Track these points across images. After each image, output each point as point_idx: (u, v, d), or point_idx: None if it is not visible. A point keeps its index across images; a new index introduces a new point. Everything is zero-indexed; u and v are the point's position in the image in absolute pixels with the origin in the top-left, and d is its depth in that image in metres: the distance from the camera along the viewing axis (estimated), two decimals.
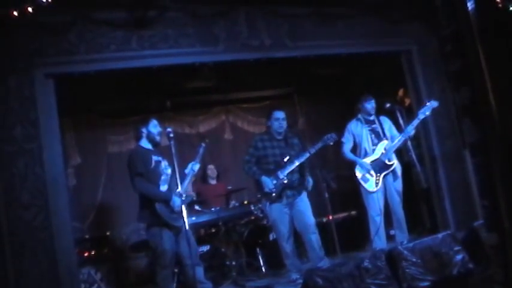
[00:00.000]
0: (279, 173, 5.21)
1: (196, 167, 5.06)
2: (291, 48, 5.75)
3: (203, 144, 5.22)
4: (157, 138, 4.97)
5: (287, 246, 5.22)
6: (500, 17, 4.75)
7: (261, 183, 5.23)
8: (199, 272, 4.87)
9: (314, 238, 5.19)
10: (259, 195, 5.41)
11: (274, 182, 5.18)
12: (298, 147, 5.41)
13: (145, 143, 4.95)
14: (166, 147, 4.95)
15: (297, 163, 5.21)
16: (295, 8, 5.79)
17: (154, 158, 4.84)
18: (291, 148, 5.36)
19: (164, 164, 4.91)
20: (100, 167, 7.47)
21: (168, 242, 4.70)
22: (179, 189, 4.66)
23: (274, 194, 5.18)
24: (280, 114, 5.35)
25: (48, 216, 4.58)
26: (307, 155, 5.21)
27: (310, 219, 5.24)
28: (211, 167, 7.28)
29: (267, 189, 5.18)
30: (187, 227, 4.57)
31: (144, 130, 4.93)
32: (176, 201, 4.70)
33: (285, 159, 5.24)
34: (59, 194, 4.72)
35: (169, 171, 4.92)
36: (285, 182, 5.18)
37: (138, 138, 4.99)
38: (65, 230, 4.70)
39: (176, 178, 4.67)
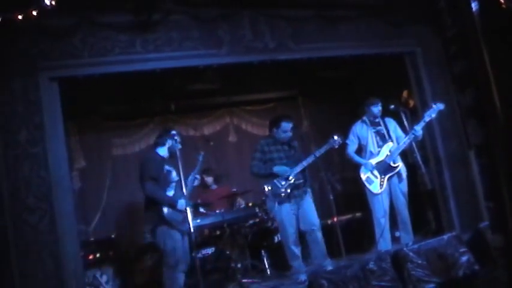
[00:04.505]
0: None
1: (197, 181, 5.27)
2: (294, 50, 5.75)
3: (202, 153, 5.37)
4: (177, 152, 5.05)
5: (295, 248, 5.26)
6: (504, 17, 4.73)
7: (276, 173, 5.29)
8: (182, 278, 4.99)
9: (319, 236, 5.30)
10: (264, 197, 5.43)
11: (283, 182, 5.25)
12: (300, 149, 5.53)
13: (162, 151, 5.10)
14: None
15: (305, 164, 5.31)
16: (299, 11, 5.79)
17: (166, 167, 5.02)
18: (294, 150, 5.48)
19: (174, 173, 5.06)
20: (105, 170, 7.48)
21: (177, 241, 4.84)
22: (184, 191, 4.81)
23: (283, 194, 5.23)
24: (289, 126, 5.39)
25: (53, 220, 4.59)
26: (314, 157, 5.30)
27: (315, 217, 5.35)
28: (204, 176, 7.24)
29: (284, 173, 5.26)
30: (191, 230, 4.67)
31: (169, 141, 5.08)
32: (181, 203, 4.85)
33: (291, 161, 5.34)
34: (63, 197, 4.73)
35: (176, 179, 5.06)
36: (293, 182, 5.25)
37: (159, 144, 5.13)
38: (70, 233, 4.71)
39: (181, 182, 4.79)
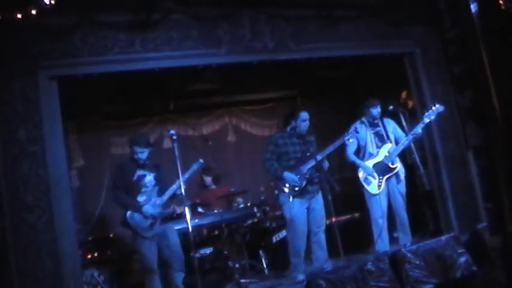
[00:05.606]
0: (301, 167, 5.21)
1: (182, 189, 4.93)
2: (294, 50, 5.75)
3: (200, 161, 5.23)
4: (142, 162, 5.03)
5: (301, 245, 5.21)
6: (503, 19, 4.74)
7: (284, 179, 5.20)
8: (179, 278, 5.01)
9: (323, 238, 5.27)
10: (277, 192, 5.35)
11: (298, 176, 5.18)
12: (316, 144, 5.43)
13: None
14: (169, 149, 4.98)
15: (319, 158, 5.19)
16: (299, 11, 5.79)
17: (139, 172, 5.00)
18: (310, 145, 5.37)
19: (149, 177, 5.04)
20: (103, 168, 7.47)
21: (144, 247, 4.87)
22: (183, 190, 4.77)
23: (297, 188, 5.17)
24: (306, 115, 5.33)
25: (52, 218, 4.60)
26: (328, 151, 5.26)
27: (323, 218, 5.31)
28: (204, 176, 7.26)
29: (292, 183, 5.17)
30: (191, 228, 4.68)
31: (132, 151, 5.04)
32: (147, 209, 4.88)
33: (307, 155, 5.25)
34: (62, 196, 4.73)
35: (152, 184, 5.04)
36: (307, 176, 5.19)
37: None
38: (69, 232, 4.72)
39: (179, 181, 4.75)
